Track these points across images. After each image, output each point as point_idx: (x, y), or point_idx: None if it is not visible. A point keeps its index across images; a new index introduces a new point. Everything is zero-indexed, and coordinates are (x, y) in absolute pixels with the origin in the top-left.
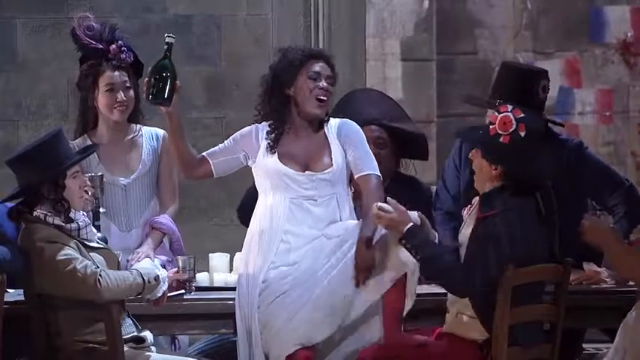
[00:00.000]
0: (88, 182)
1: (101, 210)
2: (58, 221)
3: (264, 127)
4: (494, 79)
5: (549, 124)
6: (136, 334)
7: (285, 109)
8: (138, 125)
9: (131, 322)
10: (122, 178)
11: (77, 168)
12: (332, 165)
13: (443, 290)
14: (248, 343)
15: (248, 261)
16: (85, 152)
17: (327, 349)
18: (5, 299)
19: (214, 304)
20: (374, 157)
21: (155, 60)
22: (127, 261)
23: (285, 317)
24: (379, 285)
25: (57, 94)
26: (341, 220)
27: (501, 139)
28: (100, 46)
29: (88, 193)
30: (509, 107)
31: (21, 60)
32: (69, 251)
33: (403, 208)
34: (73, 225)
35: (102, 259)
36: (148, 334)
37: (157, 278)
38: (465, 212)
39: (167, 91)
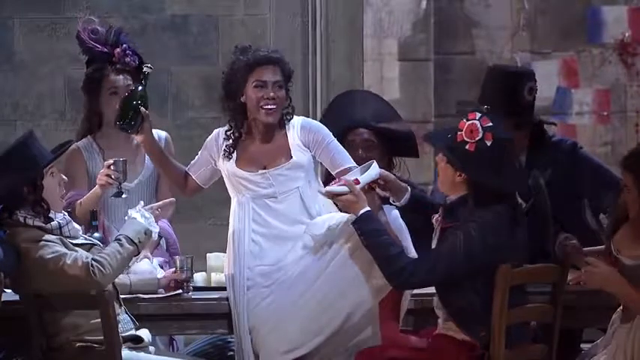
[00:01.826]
0: (63, 178)
1: (124, 196)
2: (38, 222)
3: (221, 132)
4: (482, 84)
5: (544, 126)
6: (133, 331)
7: (239, 116)
8: None
9: (128, 318)
10: (126, 183)
11: (53, 166)
12: (289, 160)
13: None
14: (240, 342)
15: (229, 262)
16: (60, 149)
17: (323, 350)
18: (4, 299)
19: (212, 304)
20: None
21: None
22: None
23: (272, 321)
24: (377, 291)
25: (54, 93)
26: (311, 216)
27: (467, 147)
28: (105, 50)
29: (111, 177)
30: (477, 115)
31: (18, 60)
32: (56, 248)
33: (358, 191)
34: (54, 223)
35: (90, 255)
36: (145, 333)
37: (147, 232)
38: (434, 220)
39: (134, 120)
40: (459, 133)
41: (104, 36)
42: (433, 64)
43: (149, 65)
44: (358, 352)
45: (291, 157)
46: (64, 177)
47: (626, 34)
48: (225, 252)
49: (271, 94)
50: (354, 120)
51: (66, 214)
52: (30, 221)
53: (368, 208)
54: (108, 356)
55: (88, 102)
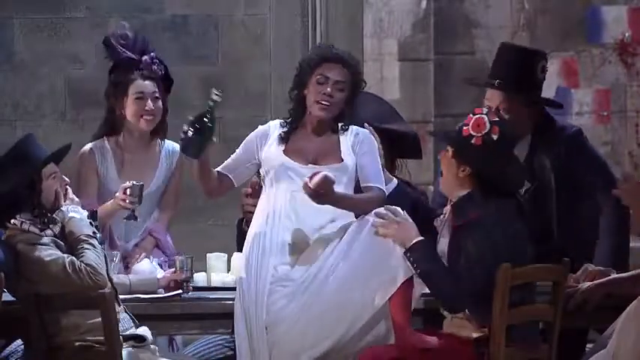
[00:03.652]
0: (65, 180)
1: (137, 220)
2: (33, 228)
3: (275, 123)
4: (493, 60)
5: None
6: (134, 329)
7: (299, 108)
8: (158, 139)
9: (128, 317)
10: None
11: (55, 169)
12: (340, 162)
13: None
14: (249, 342)
15: (250, 260)
16: (59, 152)
17: (336, 351)
18: (4, 299)
19: (212, 304)
20: (382, 173)
21: None
22: (125, 258)
23: (289, 321)
24: (389, 285)
25: (54, 93)
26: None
27: (473, 141)
28: (133, 56)
29: (126, 201)
30: (484, 110)
31: (18, 60)
32: (51, 251)
33: (405, 217)
34: (48, 231)
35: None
36: (146, 331)
37: (91, 223)
38: (437, 223)
39: (199, 148)
40: (465, 127)
41: (133, 42)
42: (433, 64)
43: (218, 93)
44: (366, 349)
45: (342, 159)
46: (66, 179)
47: (626, 34)
48: (225, 252)
49: (328, 89)
50: (357, 119)
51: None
52: (25, 226)
53: (420, 237)
54: (108, 356)
55: (111, 105)
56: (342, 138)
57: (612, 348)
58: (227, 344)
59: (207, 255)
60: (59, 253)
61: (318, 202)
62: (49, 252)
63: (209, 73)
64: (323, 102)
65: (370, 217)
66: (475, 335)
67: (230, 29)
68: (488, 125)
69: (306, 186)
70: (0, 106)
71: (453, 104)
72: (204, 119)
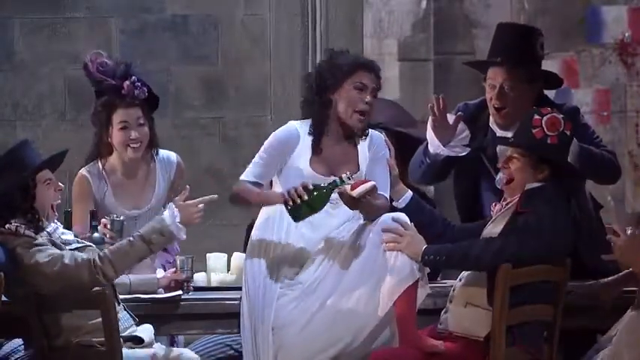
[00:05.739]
0: (61, 186)
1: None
2: (28, 232)
3: (301, 125)
4: (492, 41)
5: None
6: (135, 327)
7: (326, 112)
8: (152, 151)
9: (128, 315)
10: (135, 211)
11: (50, 176)
12: (358, 170)
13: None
14: (254, 343)
15: (258, 262)
16: (55, 159)
17: (343, 352)
18: (4, 299)
19: (212, 304)
20: (389, 182)
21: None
22: None
23: (298, 324)
24: (395, 288)
25: (54, 94)
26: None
27: (549, 141)
28: (114, 82)
29: (106, 236)
30: (549, 109)
31: (18, 60)
32: (49, 251)
33: (412, 229)
34: (43, 233)
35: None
36: (147, 329)
37: (164, 232)
38: (495, 208)
39: (302, 216)
40: (536, 129)
41: (113, 69)
42: (433, 64)
43: (349, 176)
44: (374, 352)
45: (359, 167)
46: (60, 184)
47: (626, 34)
48: (225, 252)
49: (369, 98)
50: (374, 121)
51: (58, 223)
52: (21, 230)
53: (425, 245)
54: (109, 356)
55: (98, 132)
56: (359, 145)
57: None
58: (228, 343)
59: (207, 255)
60: (57, 250)
61: (353, 209)
62: (47, 252)
63: (209, 73)
64: (365, 110)
65: (376, 225)
66: (485, 334)
67: (230, 29)
68: (562, 123)
69: (345, 194)
70: (0, 106)
71: (453, 104)
72: (323, 190)
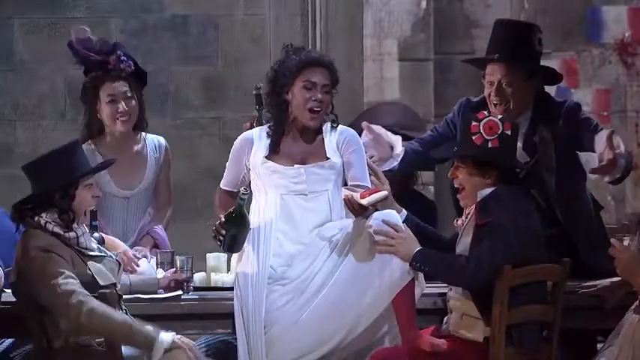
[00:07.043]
0: (99, 193)
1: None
2: (57, 229)
3: (259, 131)
4: (490, 38)
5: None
6: None
7: (283, 114)
8: (142, 134)
9: None
10: (126, 191)
11: (91, 180)
12: (326, 160)
13: (439, 291)
14: (247, 341)
15: (247, 260)
16: (102, 165)
17: (335, 354)
18: (4, 299)
19: (212, 304)
20: (367, 172)
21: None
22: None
23: (286, 323)
24: (392, 287)
25: (54, 93)
26: (332, 220)
27: (490, 145)
28: (99, 58)
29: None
30: (485, 113)
31: (18, 60)
32: (59, 269)
33: (405, 230)
34: (71, 234)
35: (101, 267)
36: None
37: (148, 338)
38: (458, 222)
39: (241, 242)
40: (475, 136)
41: (98, 44)
42: (433, 64)
43: (245, 191)
44: (374, 352)
45: (327, 157)
46: (99, 192)
47: (626, 34)
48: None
49: (319, 96)
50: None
51: (85, 227)
52: (49, 226)
53: (419, 247)
54: (108, 356)
55: (87, 110)
56: (326, 137)
57: None
58: (230, 341)
59: (207, 255)
60: (64, 271)
61: (357, 216)
62: (54, 267)
63: (209, 73)
64: (315, 108)
65: (369, 222)
66: (485, 336)
67: (230, 29)
68: (500, 125)
69: (354, 202)
70: (0, 106)
71: (453, 104)
72: (234, 216)
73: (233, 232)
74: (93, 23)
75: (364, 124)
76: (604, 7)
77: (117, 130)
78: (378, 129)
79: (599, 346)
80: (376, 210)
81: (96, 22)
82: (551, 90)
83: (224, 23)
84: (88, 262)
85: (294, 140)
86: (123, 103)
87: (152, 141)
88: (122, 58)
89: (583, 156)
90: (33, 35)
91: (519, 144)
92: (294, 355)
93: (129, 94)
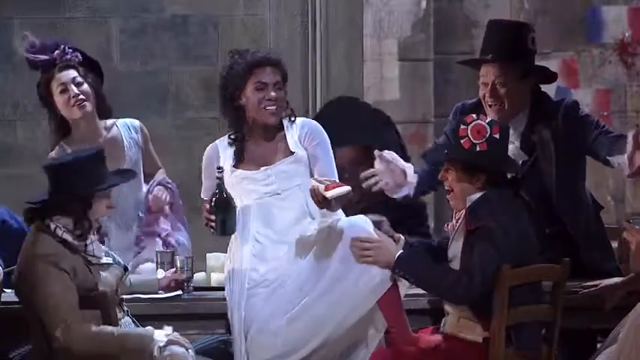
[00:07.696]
0: (114, 205)
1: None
2: (66, 235)
3: (221, 141)
4: (483, 38)
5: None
6: None
7: (241, 119)
8: (111, 120)
9: (130, 320)
10: None
11: (108, 191)
12: (291, 154)
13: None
14: (234, 344)
15: (231, 264)
16: (124, 177)
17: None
18: (4, 299)
19: (212, 304)
20: (334, 164)
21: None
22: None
23: (264, 322)
24: (375, 290)
25: None
26: (311, 213)
27: (478, 148)
28: (46, 57)
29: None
30: (474, 116)
31: (18, 60)
32: (59, 282)
33: (383, 236)
34: (80, 241)
35: (106, 275)
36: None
37: (144, 342)
38: (448, 227)
39: (232, 223)
40: (463, 139)
41: (40, 45)
42: (433, 64)
43: (218, 171)
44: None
45: (291, 152)
46: (113, 204)
47: (626, 34)
48: (225, 252)
49: (272, 94)
50: (341, 138)
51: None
52: (59, 232)
53: (401, 250)
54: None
55: (49, 112)
56: (287, 133)
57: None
58: (227, 344)
59: (207, 255)
60: (67, 282)
61: (321, 208)
62: (51, 279)
63: (209, 73)
64: (270, 107)
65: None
66: (483, 336)
67: (230, 29)
68: (488, 128)
69: (318, 193)
70: (1, 105)
71: (453, 104)
72: (217, 199)
73: (221, 217)
74: (93, 23)
75: (376, 152)
76: (604, 7)
77: (76, 118)
78: (390, 155)
79: (599, 346)
80: (339, 205)
81: (96, 22)
82: (551, 90)
83: (224, 23)
84: (94, 270)
85: (257, 144)
86: (73, 87)
87: (125, 124)
88: (67, 50)
89: (615, 161)
90: (33, 35)
91: (517, 143)
92: (275, 353)
93: (79, 80)
